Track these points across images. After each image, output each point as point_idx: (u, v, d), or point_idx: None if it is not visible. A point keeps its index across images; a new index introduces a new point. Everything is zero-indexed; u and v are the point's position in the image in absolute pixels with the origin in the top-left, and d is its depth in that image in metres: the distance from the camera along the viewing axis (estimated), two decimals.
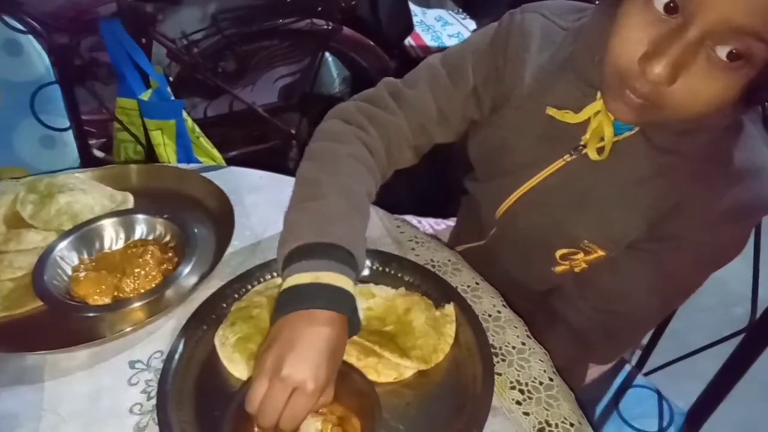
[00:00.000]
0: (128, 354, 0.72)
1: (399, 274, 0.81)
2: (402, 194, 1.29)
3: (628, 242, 0.74)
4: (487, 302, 0.79)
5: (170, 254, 0.83)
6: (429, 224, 1.28)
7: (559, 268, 0.83)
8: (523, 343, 0.73)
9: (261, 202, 0.96)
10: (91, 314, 0.74)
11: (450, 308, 0.75)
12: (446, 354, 0.71)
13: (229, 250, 0.84)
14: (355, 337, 0.67)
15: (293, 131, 2.11)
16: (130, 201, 0.93)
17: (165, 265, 0.81)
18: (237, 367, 0.68)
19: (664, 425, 1.05)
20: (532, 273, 0.91)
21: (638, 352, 1.20)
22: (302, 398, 0.55)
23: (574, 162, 0.74)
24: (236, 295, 0.78)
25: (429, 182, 1.70)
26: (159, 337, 0.74)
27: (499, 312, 0.77)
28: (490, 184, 0.89)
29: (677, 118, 0.58)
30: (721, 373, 1.02)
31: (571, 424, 0.64)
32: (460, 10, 2.37)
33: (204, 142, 1.66)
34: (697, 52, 0.51)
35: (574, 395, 0.68)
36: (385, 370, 0.68)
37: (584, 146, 0.72)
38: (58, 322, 0.73)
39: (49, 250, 0.80)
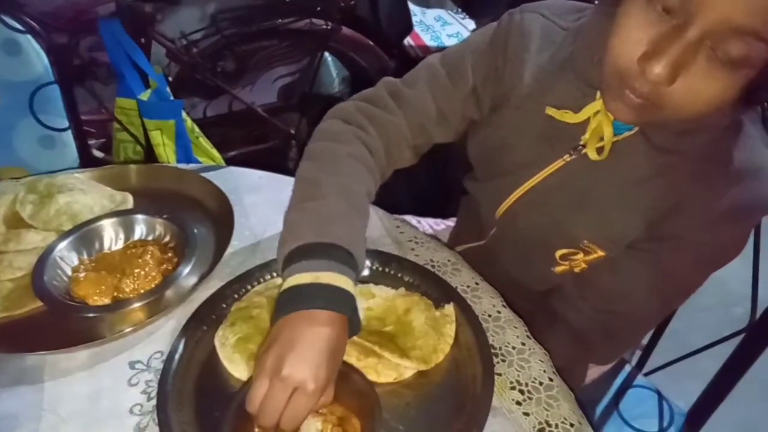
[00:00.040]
0: (128, 354, 0.72)
1: (399, 275, 0.81)
2: (401, 194, 1.29)
3: (628, 242, 0.74)
4: (486, 302, 0.79)
5: (170, 254, 0.83)
6: (428, 224, 1.28)
7: (558, 269, 0.83)
8: (523, 344, 0.73)
9: (260, 202, 0.96)
10: (90, 315, 0.74)
11: (450, 308, 0.75)
12: (446, 354, 0.71)
13: (229, 250, 0.84)
14: (355, 338, 0.67)
15: (292, 131, 2.11)
16: (129, 201, 0.93)
17: (165, 266, 0.81)
18: (237, 368, 0.68)
19: (664, 425, 1.05)
20: (531, 273, 0.91)
21: (638, 352, 1.20)
22: (303, 398, 0.55)
23: (573, 162, 0.74)
24: (236, 296, 0.78)
25: (428, 182, 1.70)
26: (159, 338, 0.74)
27: (498, 312, 0.77)
28: (489, 184, 0.89)
29: (677, 118, 0.58)
30: (722, 373, 1.02)
31: (571, 425, 0.64)
32: (460, 9, 2.37)
33: (203, 142, 1.65)
34: (697, 52, 0.51)
35: (574, 395, 0.68)
36: (385, 370, 0.68)
37: (584, 146, 0.72)
38: (57, 323, 0.73)
39: (49, 250, 0.80)
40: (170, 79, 1.68)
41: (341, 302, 0.61)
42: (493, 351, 0.71)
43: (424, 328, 0.72)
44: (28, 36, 1.24)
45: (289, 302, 0.60)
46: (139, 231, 0.87)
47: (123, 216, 0.87)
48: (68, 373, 0.70)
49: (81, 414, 0.65)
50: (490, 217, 0.89)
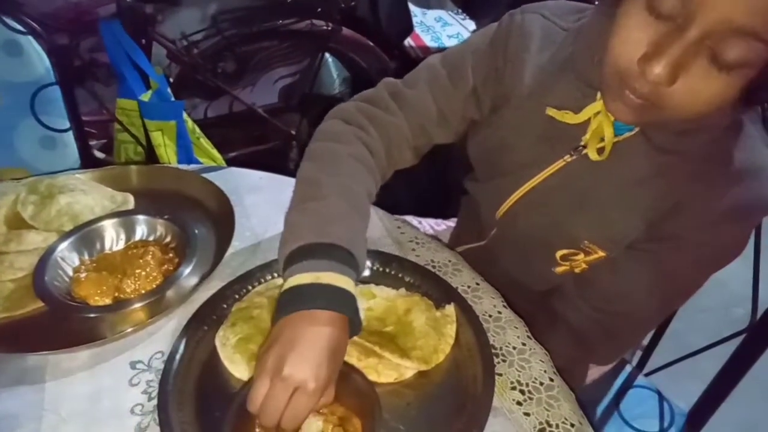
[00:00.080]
0: (129, 354, 0.72)
1: (399, 275, 0.81)
2: (402, 195, 1.29)
3: (628, 243, 0.74)
4: (487, 303, 0.79)
5: (171, 255, 0.83)
6: (429, 225, 1.28)
7: (559, 269, 0.83)
8: (524, 344, 0.73)
9: (261, 203, 0.96)
10: (91, 315, 0.74)
11: (450, 309, 0.75)
12: (447, 354, 0.71)
13: (230, 250, 0.84)
14: (355, 338, 0.68)
15: (293, 132, 2.11)
16: (130, 202, 0.93)
17: (165, 266, 0.81)
18: (238, 368, 0.68)
19: (664, 426, 1.05)
20: (532, 273, 0.91)
21: (639, 353, 1.20)
22: (303, 398, 0.56)
23: (574, 162, 0.74)
24: (237, 296, 0.78)
25: (429, 183, 1.70)
26: (160, 338, 0.74)
27: (499, 312, 0.77)
28: (490, 185, 0.89)
29: (677, 118, 0.58)
30: (722, 373, 1.02)
31: (572, 425, 0.64)
32: (460, 10, 2.38)
33: (204, 142, 1.66)
34: (697, 53, 0.51)
35: (574, 396, 0.68)
36: (386, 370, 0.68)
37: (584, 147, 0.72)
38: (59, 323, 0.73)
39: (50, 250, 0.80)
40: (171, 79, 1.68)
41: (342, 302, 0.61)
42: (493, 351, 0.71)
43: (424, 329, 0.72)
44: (29, 37, 1.25)
45: (290, 302, 0.60)
46: (140, 231, 0.87)
47: (124, 216, 0.87)
48: (69, 373, 0.70)
49: (82, 414, 0.65)
50: (491, 218, 0.89)
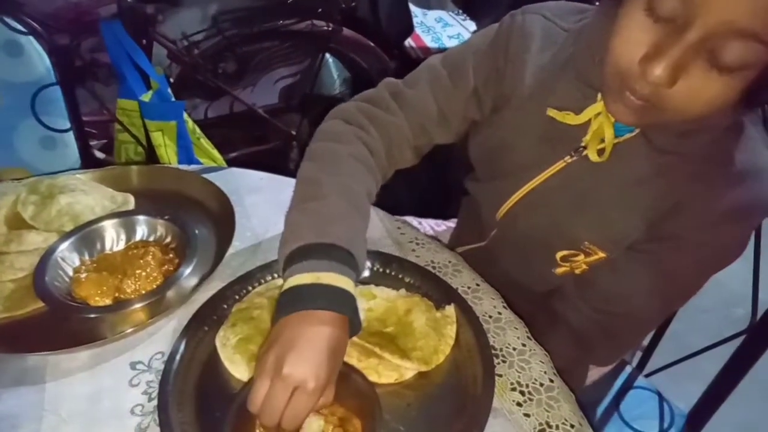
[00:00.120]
0: (129, 355, 0.72)
1: (400, 276, 0.81)
2: (402, 195, 1.29)
3: (629, 243, 0.74)
4: (487, 303, 0.79)
5: (171, 255, 0.83)
6: (429, 225, 1.28)
7: (559, 270, 0.83)
8: (524, 345, 0.73)
9: (261, 203, 0.96)
10: (92, 315, 0.74)
11: (450, 309, 0.75)
12: (447, 355, 0.71)
13: (230, 251, 0.84)
14: (355, 339, 0.68)
15: (294, 132, 2.11)
16: (131, 202, 0.93)
17: (166, 266, 0.81)
18: (238, 368, 0.68)
19: (664, 427, 1.05)
20: (532, 274, 0.91)
21: (639, 354, 1.20)
22: (303, 397, 0.56)
23: (574, 163, 0.74)
24: (237, 296, 0.78)
25: (429, 183, 1.71)
26: (160, 338, 0.74)
27: (499, 313, 0.77)
28: (490, 185, 0.89)
29: (678, 119, 0.58)
30: (722, 374, 1.02)
31: (572, 426, 0.64)
32: (460, 11, 2.38)
33: (205, 143, 1.66)
34: (697, 55, 0.51)
35: (574, 396, 0.68)
36: (386, 371, 0.68)
37: (585, 148, 0.72)
38: (59, 323, 0.73)
39: (50, 251, 0.80)
40: (171, 80, 1.68)
41: (342, 302, 0.61)
42: (493, 352, 0.71)
43: (424, 329, 0.72)
44: (30, 37, 1.25)
45: (290, 302, 0.60)
46: (141, 232, 0.87)
47: (124, 217, 0.87)
48: (69, 374, 0.70)
49: (82, 414, 0.65)
50: (491, 219, 0.89)
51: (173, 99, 1.55)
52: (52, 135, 1.34)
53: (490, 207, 0.88)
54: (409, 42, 2.16)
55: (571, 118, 0.72)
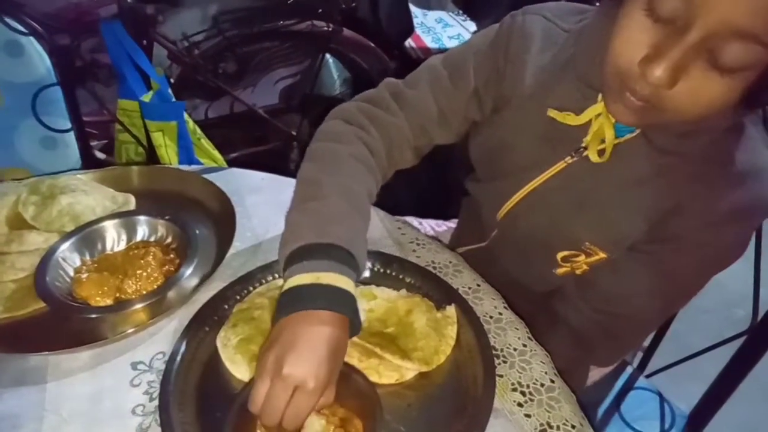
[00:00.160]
0: (130, 355, 0.72)
1: (400, 276, 0.81)
2: (403, 195, 1.29)
3: (629, 244, 0.74)
4: (488, 304, 0.79)
5: (172, 255, 0.84)
6: (430, 226, 1.28)
7: (560, 270, 0.83)
8: (525, 345, 0.73)
9: (262, 204, 0.96)
10: (93, 315, 0.75)
11: (451, 310, 0.75)
12: (447, 356, 0.71)
13: (231, 251, 0.84)
14: (356, 339, 0.68)
15: (294, 132, 2.11)
16: (131, 202, 0.93)
17: (167, 267, 0.81)
18: (239, 369, 0.68)
19: (665, 427, 1.05)
20: (533, 275, 0.91)
21: (640, 354, 1.20)
22: (304, 397, 0.56)
23: (575, 164, 0.74)
24: (238, 297, 0.78)
25: (430, 184, 1.71)
26: (161, 339, 0.74)
27: (500, 314, 0.77)
28: (491, 186, 0.89)
29: (678, 120, 0.58)
30: (723, 375, 1.02)
31: (573, 426, 0.64)
32: (461, 11, 2.38)
33: (205, 143, 1.66)
34: (697, 56, 0.51)
35: (575, 397, 0.68)
36: (387, 371, 0.68)
37: (585, 148, 0.72)
38: (60, 324, 0.73)
39: (51, 251, 0.80)
40: (172, 80, 1.68)
41: (342, 303, 0.61)
42: (494, 352, 0.71)
43: (425, 330, 0.72)
44: (31, 38, 1.25)
45: (290, 303, 0.60)
46: (141, 232, 0.87)
47: (125, 217, 0.87)
48: (70, 374, 0.70)
49: (83, 414, 0.65)
50: (492, 219, 0.89)
51: (174, 99, 1.54)
52: (53, 135, 1.34)
53: (490, 207, 0.88)
54: (409, 42, 2.15)
55: (571, 119, 0.72)
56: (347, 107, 0.82)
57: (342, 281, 0.62)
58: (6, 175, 1.30)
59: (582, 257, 0.79)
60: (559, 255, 0.81)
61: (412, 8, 2.18)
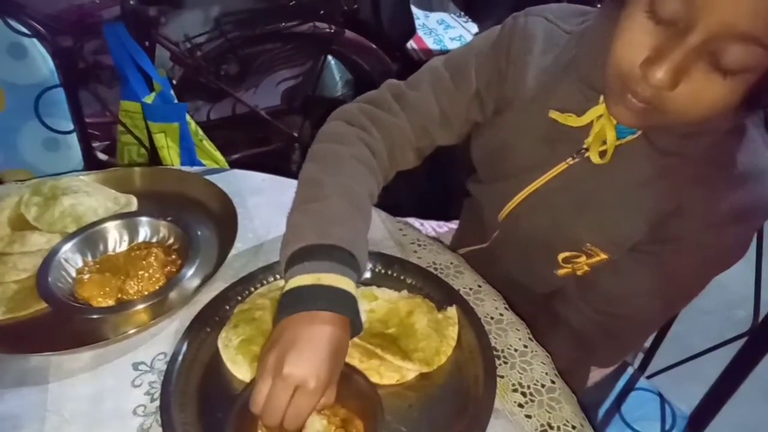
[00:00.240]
0: (132, 356, 0.72)
1: (401, 277, 0.82)
2: (404, 197, 1.29)
3: (631, 245, 0.74)
4: (489, 305, 0.79)
5: (173, 256, 0.84)
6: (431, 227, 1.28)
7: (561, 271, 0.83)
8: (525, 346, 0.73)
9: (264, 205, 0.96)
10: (94, 316, 0.75)
11: (452, 311, 0.75)
12: (448, 356, 0.71)
13: (232, 252, 0.84)
14: (357, 340, 0.68)
15: (296, 134, 2.11)
16: (133, 203, 0.93)
17: (168, 268, 0.81)
18: (240, 369, 0.68)
19: (666, 428, 1.05)
20: (534, 276, 0.91)
21: (641, 355, 1.20)
22: (304, 396, 0.56)
23: (576, 165, 0.74)
24: (239, 298, 0.78)
25: (431, 185, 1.71)
26: (162, 339, 0.74)
27: (501, 314, 0.77)
28: (492, 187, 0.89)
29: (679, 122, 0.58)
30: (724, 376, 1.02)
31: (573, 427, 0.64)
32: (462, 13, 2.38)
33: (207, 144, 1.66)
34: (699, 58, 0.51)
35: (576, 398, 0.68)
36: (388, 372, 0.68)
37: (586, 149, 0.72)
38: (62, 324, 0.73)
39: (54, 252, 0.80)
40: (174, 82, 1.69)
41: (342, 303, 0.61)
42: (495, 353, 0.71)
43: (426, 331, 0.72)
44: (34, 39, 1.26)
45: (291, 303, 0.61)
46: (143, 233, 0.87)
47: (127, 218, 0.87)
48: (72, 374, 0.70)
49: (84, 415, 0.66)
50: (493, 220, 0.89)
51: (176, 101, 1.55)
52: (56, 137, 1.35)
53: (492, 208, 0.88)
54: (411, 44, 2.16)
55: (573, 120, 0.72)
56: (349, 108, 0.82)
57: (343, 282, 0.62)
58: (8, 176, 1.30)
59: (583, 258, 0.79)
60: (561, 256, 0.81)
61: (414, 10, 2.18)
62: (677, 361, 1.14)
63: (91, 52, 1.62)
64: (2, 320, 0.74)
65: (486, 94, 0.80)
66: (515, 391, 0.68)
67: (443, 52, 2.05)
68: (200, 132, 1.64)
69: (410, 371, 0.68)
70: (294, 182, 0.75)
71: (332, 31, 1.93)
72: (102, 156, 1.76)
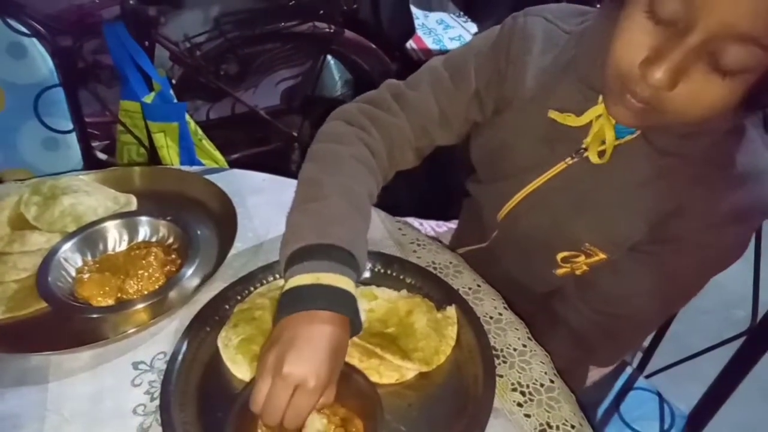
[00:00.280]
0: (131, 355, 0.72)
1: (401, 276, 0.82)
2: (403, 196, 1.29)
3: (630, 245, 0.74)
4: (488, 304, 0.79)
5: (173, 256, 0.84)
6: (430, 226, 1.28)
7: (560, 271, 0.83)
8: (524, 345, 0.73)
9: (263, 204, 0.96)
10: (94, 315, 0.75)
11: (451, 310, 0.75)
12: (448, 356, 0.71)
13: (232, 252, 0.84)
14: (357, 339, 0.68)
15: (295, 134, 2.11)
16: (133, 203, 0.93)
17: (168, 267, 0.81)
18: (240, 369, 0.68)
19: (665, 428, 1.05)
20: (533, 275, 0.91)
21: (639, 355, 1.20)
22: (304, 395, 0.56)
23: (575, 165, 0.74)
24: (239, 297, 0.78)
25: (430, 184, 1.71)
26: (162, 339, 0.74)
27: (500, 314, 0.78)
28: (492, 187, 0.89)
29: (678, 122, 0.58)
30: (722, 375, 1.02)
31: (572, 426, 0.64)
32: (462, 13, 2.38)
33: (206, 144, 1.66)
34: (698, 58, 0.51)
35: (575, 397, 0.69)
36: (387, 371, 0.68)
37: (585, 149, 0.72)
38: (62, 324, 0.74)
39: (53, 251, 0.80)
40: (174, 81, 1.69)
41: (342, 303, 0.61)
42: (494, 353, 0.71)
43: (425, 330, 0.72)
44: (33, 39, 1.25)
45: (291, 303, 0.61)
46: (143, 232, 0.87)
47: (127, 218, 0.87)
48: (72, 374, 0.70)
49: (84, 414, 0.66)
50: (492, 220, 0.89)
51: (175, 100, 1.55)
52: (55, 136, 1.35)
53: (491, 208, 0.89)
54: (410, 44, 2.16)
55: (572, 120, 0.72)
56: (348, 108, 0.82)
57: (342, 282, 0.62)
58: (8, 175, 1.30)
59: (582, 258, 0.79)
60: (559, 256, 0.81)
61: (414, 10, 2.18)
62: (676, 361, 1.14)
63: (90, 51, 1.62)
64: (2, 320, 0.74)
65: (485, 94, 0.81)
66: (514, 390, 0.68)
67: (443, 52, 2.05)
68: (200, 132, 1.64)
69: (410, 370, 0.69)
70: (293, 182, 0.75)
71: (332, 30, 1.93)
72: (101, 155, 1.76)
